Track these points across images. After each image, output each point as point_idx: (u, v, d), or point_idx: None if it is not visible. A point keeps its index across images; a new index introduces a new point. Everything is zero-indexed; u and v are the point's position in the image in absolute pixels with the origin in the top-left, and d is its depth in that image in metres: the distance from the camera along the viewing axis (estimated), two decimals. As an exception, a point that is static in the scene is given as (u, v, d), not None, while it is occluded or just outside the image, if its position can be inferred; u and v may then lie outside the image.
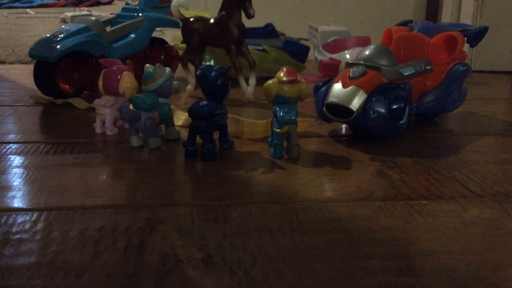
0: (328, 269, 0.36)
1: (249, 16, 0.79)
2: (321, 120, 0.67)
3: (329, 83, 0.67)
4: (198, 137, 0.59)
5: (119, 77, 0.67)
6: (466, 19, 1.16)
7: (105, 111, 0.68)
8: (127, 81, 0.67)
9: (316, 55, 1.06)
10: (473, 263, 0.37)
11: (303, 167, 0.56)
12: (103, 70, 0.68)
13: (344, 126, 0.72)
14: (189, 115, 0.58)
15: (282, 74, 0.59)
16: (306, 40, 1.13)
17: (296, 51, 1.05)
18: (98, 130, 0.69)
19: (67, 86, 0.86)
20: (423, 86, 0.69)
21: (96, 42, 0.85)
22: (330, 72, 0.95)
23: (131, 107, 0.62)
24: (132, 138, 0.63)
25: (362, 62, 0.66)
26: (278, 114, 0.57)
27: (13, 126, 0.72)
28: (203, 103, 0.58)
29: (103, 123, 0.68)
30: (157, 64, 0.64)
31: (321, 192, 0.50)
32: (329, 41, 1.02)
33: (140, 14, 0.96)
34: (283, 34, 1.10)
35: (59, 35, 0.83)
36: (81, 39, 0.83)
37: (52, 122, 0.74)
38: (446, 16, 1.25)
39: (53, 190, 0.49)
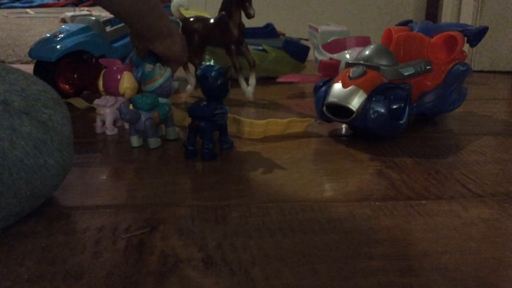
0: (328, 269, 0.36)
1: (249, 16, 0.79)
2: (321, 120, 0.67)
3: (329, 83, 0.67)
4: (198, 137, 0.59)
5: (119, 77, 0.67)
6: (466, 19, 1.16)
7: (105, 111, 0.68)
8: (127, 81, 0.67)
9: (316, 55, 1.06)
10: (473, 263, 0.37)
11: (303, 167, 0.56)
12: (103, 70, 0.68)
13: (344, 126, 0.72)
14: (189, 115, 0.58)
15: None
16: (306, 40, 1.13)
17: (296, 51, 1.05)
18: (98, 130, 0.69)
19: (67, 86, 0.86)
20: (423, 86, 0.69)
21: (96, 42, 0.85)
22: (330, 72, 0.95)
23: (131, 107, 0.62)
24: (132, 138, 0.63)
25: (362, 62, 0.66)
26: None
27: (13, 126, 0.71)
28: (203, 103, 0.58)
29: (103, 123, 0.68)
30: (157, 64, 0.64)
31: (321, 192, 0.50)
32: (329, 41, 1.02)
33: (140, 14, 0.96)
34: (283, 34, 1.10)
35: (59, 35, 0.83)
36: (81, 39, 0.83)
37: (52, 122, 0.74)
38: (446, 16, 1.25)
39: (53, 190, 0.49)
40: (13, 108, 0.41)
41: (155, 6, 0.72)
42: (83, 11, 2.46)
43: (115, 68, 0.68)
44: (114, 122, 0.69)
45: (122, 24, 0.93)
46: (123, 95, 0.67)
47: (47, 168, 0.42)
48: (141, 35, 0.75)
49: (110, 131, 0.68)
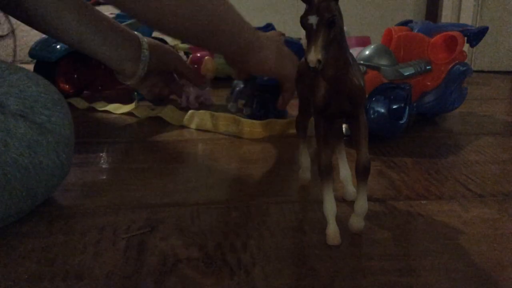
0: (328, 269, 0.36)
1: None
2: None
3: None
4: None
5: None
6: (466, 19, 1.16)
7: (189, 89, 0.84)
8: (208, 65, 0.90)
9: (316, 55, 1.06)
10: (473, 263, 0.37)
11: (303, 167, 0.56)
12: (190, 56, 0.94)
13: (344, 126, 0.72)
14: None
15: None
16: (306, 40, 1.13)
17: (296, 51, 1.05)
18: (183, 104, 0.85)
19: (67, 86, 0.86)
20: (423, 86, 0.69)
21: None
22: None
23: None
24: (231, 104, 0.80)
25: (362, 62, 0.66)
26: None
27: (13, 126, 0.71)
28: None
29: (187, 98, 0.85)
30: None
31: (321, 192, 0.49)
32: (329, 41, 1.01)
33: (140, 14, 0.95)
34: (283, 34, 1.10)
35: (59, 35, 0.82)
36: (81, 39, 0.83)
37: (52, 122, 0.74)
38: (446, 16, 1.25)
39: (53, 190, 0.49)
40: (9, 111, 0.41)
41: (221, 25, 0.59)
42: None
43: (198, 54, 0.93)
44: (197, 98, 0.85)
45: (122, 24, 0.92)
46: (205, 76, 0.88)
47: (42, 168, 0.42)
48: (227, 57, 0.68)
49: (193, 105, 0.84)
